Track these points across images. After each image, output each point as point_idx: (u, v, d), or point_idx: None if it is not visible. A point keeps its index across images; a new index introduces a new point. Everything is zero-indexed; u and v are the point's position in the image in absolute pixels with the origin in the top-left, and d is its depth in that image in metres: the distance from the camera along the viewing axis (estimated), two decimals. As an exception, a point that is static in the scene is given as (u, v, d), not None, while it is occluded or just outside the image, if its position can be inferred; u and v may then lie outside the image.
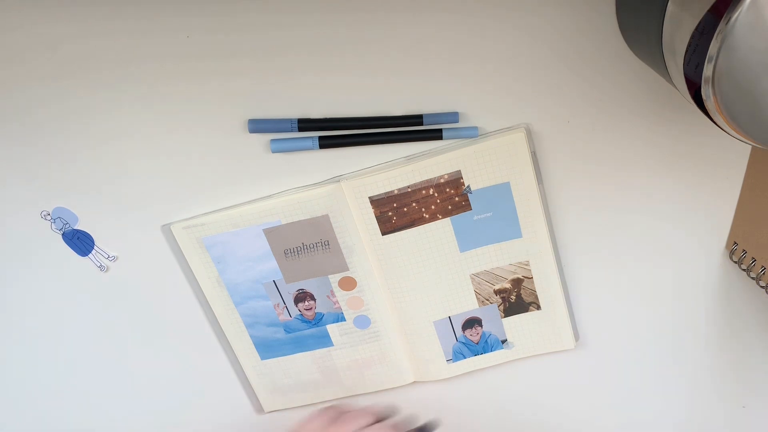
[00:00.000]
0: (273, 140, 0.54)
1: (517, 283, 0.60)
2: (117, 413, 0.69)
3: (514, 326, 0.62)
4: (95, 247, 0.59)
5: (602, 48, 0.50)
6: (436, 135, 0.53)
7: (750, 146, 0.53)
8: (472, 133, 0.53)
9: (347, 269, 0.59)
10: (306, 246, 0.58)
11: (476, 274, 0.59)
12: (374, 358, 0.63)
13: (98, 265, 0.60)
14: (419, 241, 0.57)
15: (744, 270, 0.57)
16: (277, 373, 0.65)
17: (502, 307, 0.61)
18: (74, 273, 0.61)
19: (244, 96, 0.52)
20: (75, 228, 0.58)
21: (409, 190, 0.55)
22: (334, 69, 0.51)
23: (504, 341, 0.63)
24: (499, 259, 0.58)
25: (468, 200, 0.56)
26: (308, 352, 0.64)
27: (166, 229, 0.58)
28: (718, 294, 0.60)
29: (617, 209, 0.57)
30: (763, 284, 0.56)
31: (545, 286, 0.59)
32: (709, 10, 0.33)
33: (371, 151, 0.55)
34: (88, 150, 0.55)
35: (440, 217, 0.56)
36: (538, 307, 0.61)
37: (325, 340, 0.63)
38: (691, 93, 0.37)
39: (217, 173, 0.56)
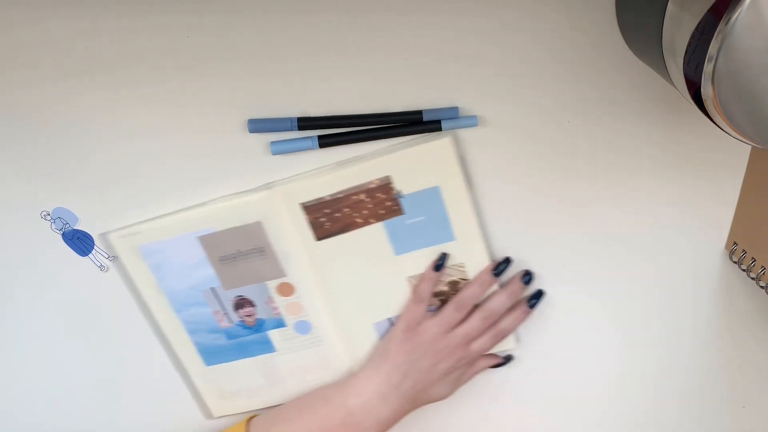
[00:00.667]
0: (273, 142, 0.54)
1: (453, 285, 0.60)
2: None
3: (454, 328, 0.62)
4: (95, 247, 0.60)
5: (602, 48, 0.50)
6: (435, 126, 0.53)
7: (750, 146, 0.53)
8: (471, 123, 0.53)
9: (284, 275, 0.59)
10: (242, 253, 0.58)
11: (413, 277, 0.59)
12: (317, 364, 0.64)
13: (98, 265, 0.60)
14: (354, 246, 0.58)
15: (744, 270, 0.57)
16: (223, 379, 0.65)
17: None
18: (74, 273, 0.61)
19: (243, 96, 0.53)
20: (75, 228, 0.59)
21: (341, 195, 0.55)
22: (332, 67, 0.51)
23: (445, 343, 0.63)
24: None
25: (399, 205, 0.56)
26: (251, 358, 0.64)
27: (104, 239, 0.58)
28: (718, 294, 0.60)
29: (617, 209, 0.57)
30: (763, 284, 0.56)
31: (482, 288, 0.60)
32: (709, 10, 0.33)
33: (369, 147, 0.55)
34: (89, 149, 0.55)
35: (373, 221, 0.57)
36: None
37: (267, 346, 0.63)
38: (691, 93, 0.37)
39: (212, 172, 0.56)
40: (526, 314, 0.60)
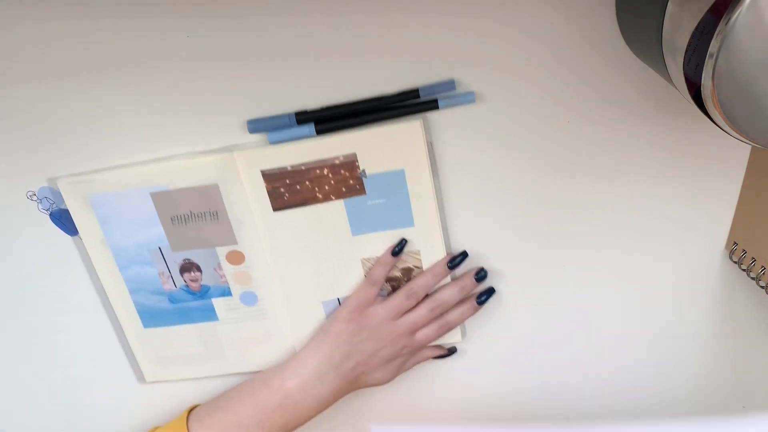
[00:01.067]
0: (270, 132, 0.53)
1: (407, 272, 0.59)
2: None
3: (403, 316, 0.61)
4: None
5: (602, 48, 0.50)
6: (431, 105, 0.52)
7: (750, 146, 0.53)
8: (468, 99, 0.52)
9: (236, 243, 0.58)
10: (194, 214, 0.57)
11: (367, 259, 0.58)
12: (260, 337, 0.62)
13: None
14: (311, 221, 0.56)
15: (744, 270, 0.57)
16: (160, 343, 0.63)
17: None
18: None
19: (239, 96, 0.52)
20: (62, 208, 0.57)
21: (303, 168, 0.54)
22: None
23: (392, 330, 0.62)
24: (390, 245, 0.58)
25: (362, 184, 0.55)
26: (192, 325, 0.62)
27: (53, 183, 0.55)
28: (718, 294, 0.60)
29: (617, 209, 0.57)
30: (763, 284, 0.55)
31: (435, 278, 0.59)
32: (709, 10, 0.33)
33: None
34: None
35: (333, 198, 0.56)
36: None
37: (210, 314, 0.61)
38: (691, 93, 0.37)
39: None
40: (474, 310, 0.60)
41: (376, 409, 0.67)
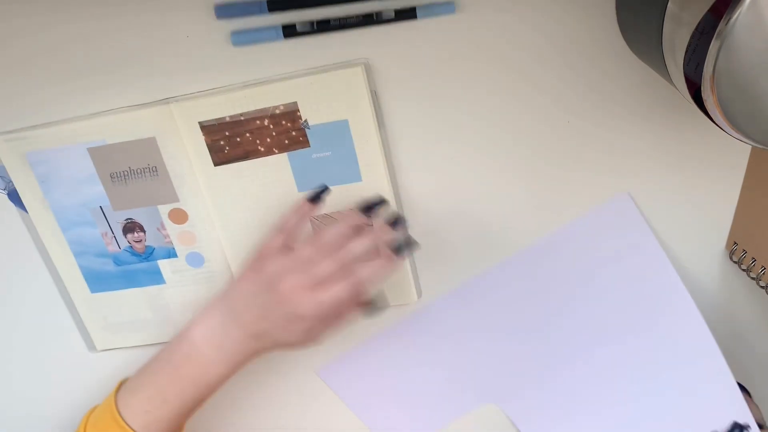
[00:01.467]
0: (234, 32, 0.50)
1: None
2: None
3: (356, 277, 0.59)
4: None
5: (602, 48, 0.49)
6: (410, 15, 0.49)
7: (750, 146, 0.52)
8: (448, 9, 0.49)
9: (177, 200, 0.56)
10: (133, 171, 0.55)
11: (316, 217, 0.56)
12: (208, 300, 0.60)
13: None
14: (254, 176, 0.55)
15: (744, 270, 0.57)
16: (108, 308, 0.61)
17: (343, 256, 0.58)
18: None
19: None
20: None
21: (243, 118, 0.52)
22: None
23: (345, 292, 0.60)
24: (338, 202, 0.56)
25: (306, 136, 0.53)
26: (139, 289, 0.60)
27: None
28: (718, 294, 0.60)
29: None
30: (763, 284, 0.55)
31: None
32: (709, 10, 0.33)
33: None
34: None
35: (276, 151, 0.54)
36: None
37: (156, 277, 0.60)
38: (691, 93, 0.37)
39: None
40: (390, 262, 0.50)
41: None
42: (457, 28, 0.50)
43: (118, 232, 0.58)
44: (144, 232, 0.57)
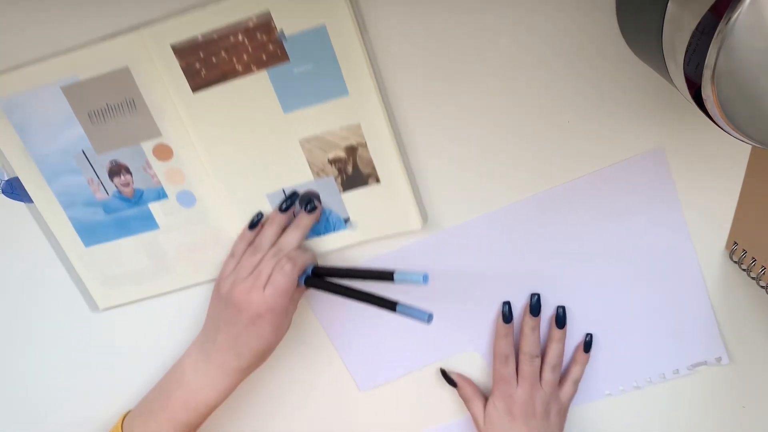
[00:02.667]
0: None
1: (351, 151, 0.54)
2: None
3: (355, 203, 0.56)
4: None
5: (602, 48, 0.49)
6: None
7: (750, 146, 0.52)
8: None
9: (160, 135, 0.53)
10: (111, 107, 0.52)
11: (306, 140, 0.53)
12: (206, 242, 0.58)
13: None
14: (236, 99, 0.52)
15: (744, 270, 0.57)
16: (105, 261, 0.59)
17: (339, 180, 0.55)
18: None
19: None
20: (6, 180, 0.55)
21: (216, 36, 0.49)
22: None
23: (346, 220, 0.57)
24: (328, 122, 0.53)
25: (284, 48, 0.50)
26: (133, 237, 0.58)
27: None
28: (719, 294, 0.59)
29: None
30: (763, 284, 0.55)
31: (381, 153, 0.54)
32: (709, 10, 0.33)
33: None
34: None
35: (255, 69, 0.51)
36: (378, 180, 0.55)
37: (149, 222, 0.57)
38: (691, 93, 0.37)
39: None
40: (314, 217, 0.56)
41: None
42: None
43: (104, 176, 0.55)
44: (130, 174, 0.55)
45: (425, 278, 0.51)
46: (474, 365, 0.64)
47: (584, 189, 0.55)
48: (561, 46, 0.49)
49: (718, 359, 0.62)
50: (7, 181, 0.55)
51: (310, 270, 0.55)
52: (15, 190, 0.56)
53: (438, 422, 0.67)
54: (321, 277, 0.55)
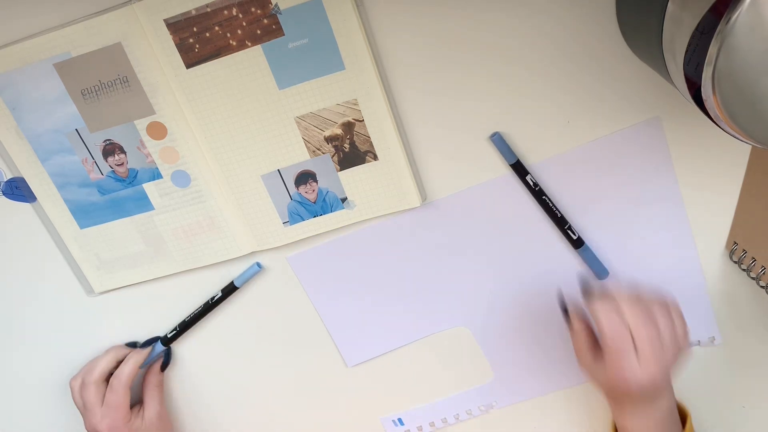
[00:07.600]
0: None
1: (348, 127, 0.53)
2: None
3: (353, 181, 0.55)
4: None
5: (602, 48, 0.49)
6: None
7: (750, 146, 0.52)
8: None
9: (153, 112, 0.52)
10: (104, 84, 0.51)
11: (302, 117, 0.52)
12: (202, 224, 0.57)
13: None
14: (230, 75, 0.51)
15: (744, 270, 0.56)
16: (100, 244, 0.58)
17: (336, 158, 0.54)
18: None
19: None
20: (6, 180, 0.54)
21: (209, 9, 0.48)
22: None
23: (344, 200, 0.56)
24: (324, 98, 0.52)
25: (279, 23, 0.49)
26: (128, 218, 0.57)
27: None
28: (718, 294, 0.59)
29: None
30: (763, 284, 0.55)
31: (379, 129, 0.53)
32: (709, 10, 0.33)
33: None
34: None
35: (249, 44, 0.50)
36: (375, 157, 0.54)
37: (144, 203, 0.56)
38: (691, 93, 0.37)
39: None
40: (160, 378, 0.64)
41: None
42: None
43: (98, 156, 0.55)
44: (125, 153, 0.54)
45: (259, 264, 0.55)
46: (463, 340, 0.63)
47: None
48: (561, 46, 0.49)
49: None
50: (7, 181, 0.55)
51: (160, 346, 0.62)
52: (15, 190, 0.56)
53: (427, 399, 0.66)
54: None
